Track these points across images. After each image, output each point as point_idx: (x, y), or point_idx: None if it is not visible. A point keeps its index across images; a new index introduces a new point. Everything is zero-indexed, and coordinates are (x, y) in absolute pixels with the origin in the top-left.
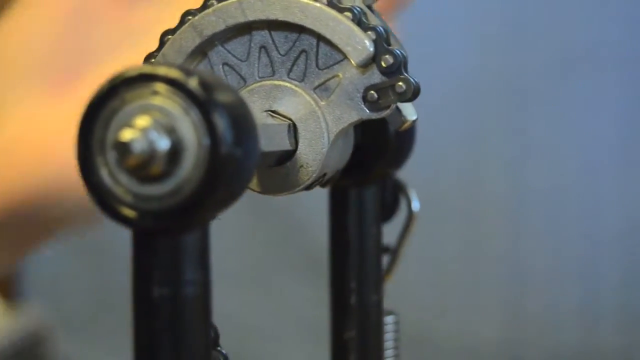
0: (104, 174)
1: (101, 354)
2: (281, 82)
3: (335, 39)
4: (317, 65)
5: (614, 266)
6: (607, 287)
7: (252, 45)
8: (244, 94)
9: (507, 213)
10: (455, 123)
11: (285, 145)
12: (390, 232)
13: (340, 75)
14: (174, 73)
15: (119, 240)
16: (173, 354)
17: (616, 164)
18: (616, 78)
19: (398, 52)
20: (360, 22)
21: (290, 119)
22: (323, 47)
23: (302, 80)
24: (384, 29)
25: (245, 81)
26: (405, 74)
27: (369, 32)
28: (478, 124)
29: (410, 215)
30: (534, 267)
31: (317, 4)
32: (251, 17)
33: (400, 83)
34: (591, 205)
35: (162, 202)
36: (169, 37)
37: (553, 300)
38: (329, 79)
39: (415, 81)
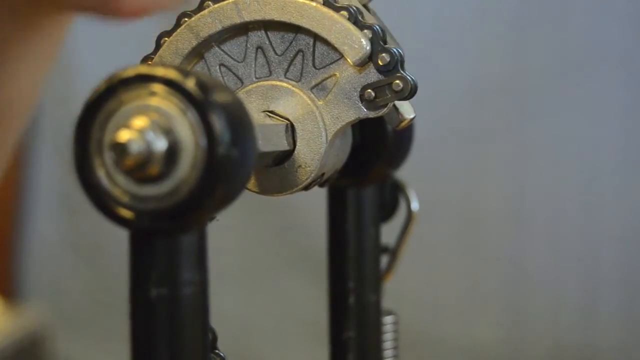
0: (101, 174)
1: (101, 354)
2: (278, 82)
3: (331, 39)
4: (313, 65)
5: (614, 266)
6: (607, 287)
7: (249, 45)
8: (241, 94)
9: (507, 213)
10: (456, 123)
11: (283, 145)
12: (390, 232)
13: (337, 74)
14: (171, 74)
15: (118, 241)
16: (170, 354)
17: (616, 164)
18: (616, 78)
19: (395, 50)
20: (356, 21)
21: (287, 119)
22: (320, 47)
23: (299, 80)
24: (380, 27)
25: (242, 82)
26: (402, 72)
27: (365, 31)
28: (478, 124)
29: (410, 215)
30: (534, 267)
31: (313, 4)
32: (247, 17)
33: (398, 81)
34: (591, 205)
35: (159, 203)
36: (165, 39)
37: (553, 300)
38: (326, 79)
39: (413, 79)
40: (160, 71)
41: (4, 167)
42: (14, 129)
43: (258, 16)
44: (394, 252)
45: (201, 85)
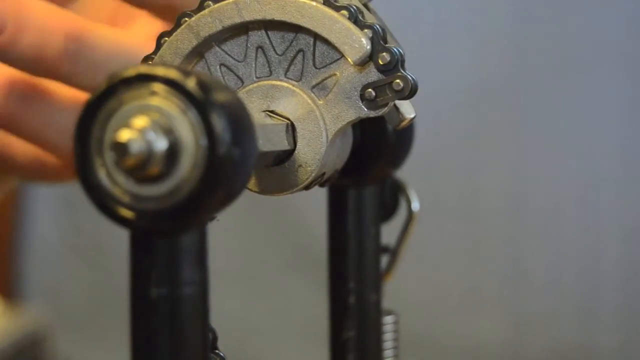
0: (102, 174)
1: (101, 354)
2: (279, 82)
3: (332, 38)
4: (314, 65)
5: (614, 266)
6: (607, 287)
7: (249, 45)
8: (241, 94)
9: (507, 213)
10: (455, 123)
11: (284, 145)
12: (390, 232)
13: (338, 73)
14: (172, 73)
15: (119, 240)
16: (170, 354)
17: (616, 164)
18: (616, 78)
19: (395, 49)
20: (356, 20)
21: (288, 119)
22: (320, 46)
23: (299, 80)
24: (380, 27)
25: (242, 82)
26: (403, 72)
27: (366, 30)
28: (478, 123)
29: (410, 215)
30: (534, 267)
31: (314, 3)
32: (247, 17)
33: (398, 81)
34: (591, 205)
35: (160, 203)
36: (166, 38)
37: (553, 300)
38: (326, 78)
39: (413, 78)
40: (160, 71)
41: None
42: None
43: (258, 16)
44: (394, 252)
45: (202, 85)
